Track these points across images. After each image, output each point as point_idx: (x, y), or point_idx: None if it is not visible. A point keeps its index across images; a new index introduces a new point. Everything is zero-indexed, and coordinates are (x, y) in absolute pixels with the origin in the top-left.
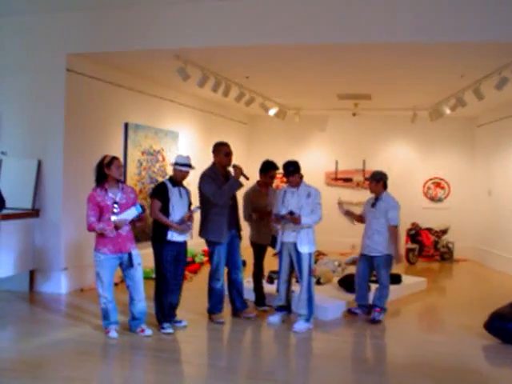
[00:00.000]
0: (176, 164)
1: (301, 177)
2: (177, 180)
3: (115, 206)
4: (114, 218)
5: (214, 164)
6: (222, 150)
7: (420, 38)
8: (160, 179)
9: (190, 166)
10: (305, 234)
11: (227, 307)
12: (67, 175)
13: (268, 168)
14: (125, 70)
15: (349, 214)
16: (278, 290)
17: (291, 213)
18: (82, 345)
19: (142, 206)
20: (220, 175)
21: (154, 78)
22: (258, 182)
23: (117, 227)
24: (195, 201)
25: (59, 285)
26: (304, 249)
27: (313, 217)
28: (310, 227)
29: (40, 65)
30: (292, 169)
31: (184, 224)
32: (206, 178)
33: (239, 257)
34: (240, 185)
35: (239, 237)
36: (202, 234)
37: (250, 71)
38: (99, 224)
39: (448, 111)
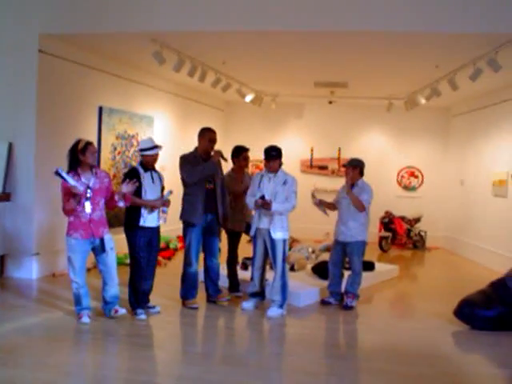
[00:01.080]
0: (142, 150)
1: (280, 164)
2: (148, 165)
3: (88, 191)
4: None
5: (196, 148)
6: (206, 136)
7: (396, 27)
8: (134, 164)
9: (156, 147)
10: (279, 221)
11: (202, 293)
12: (39, 158)
13: (239, 151)
14: (99, 52)
15: (321, 203)
16: (252, 277)
17: (262, 197)
18: (54, 330)
19: (171, 191)
20: (201, 159)
21: (130, 61)
22: (232, 168)
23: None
24: (174, 185)
25: (30, 270)
26: (278, 235)
27: (286, 205)
28: (281, 214)
29: (11, 45)
30: (274, 154)
31: (158, 200)
32: (182, 160)
33: (216, 243)
34: (215, 167)
35: (218, 223)
36: (180, 215)
37: (226, 57)
38: (69, 203)
39: (423, 101)
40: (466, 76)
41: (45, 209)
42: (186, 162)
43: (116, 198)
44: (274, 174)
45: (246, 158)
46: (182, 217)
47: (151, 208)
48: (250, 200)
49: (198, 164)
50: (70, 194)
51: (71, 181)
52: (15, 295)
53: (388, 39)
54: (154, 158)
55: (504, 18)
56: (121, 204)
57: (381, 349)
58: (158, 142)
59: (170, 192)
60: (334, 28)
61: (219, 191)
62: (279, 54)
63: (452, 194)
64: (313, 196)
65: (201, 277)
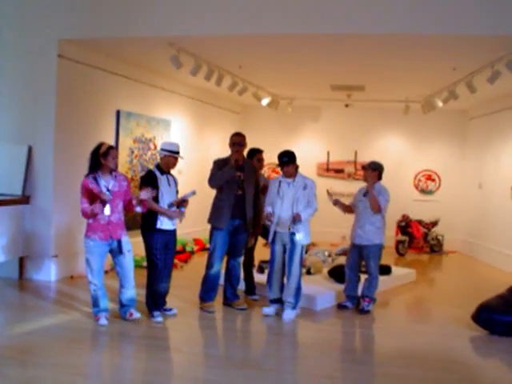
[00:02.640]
0: (165, 150)
1: (296, 167)
2: (165, 168)
3: (107, 193)
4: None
5: (230, 155)
6: (231, 140)
7: (413, 30)
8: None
9: (178, 153)
10: (302, 225)
11: (219, 295)
12: (58, 162)
13: (253, 153)
14: (117, 57)
15: (338, 203)
16: (268, 282)
17: (293, 218)
18: (72, 332)
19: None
20: (230, 165)
21: (147, 65)
22: None
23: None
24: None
25: (49, 272)
26: (302, 240)
27: (309, 210)
28: (306, 220)
29: (31, 50)
30: (286, 159)
31: (175, 209)
32: (213, 164)
33: (240, 245)
34: (233, 172)
35: (246, 230)
36: (208, 219)
37: (243, 61)
38: (90, 206)
39: (440, 104)
40: (483, 78)
41: (63, 211)
42: (215, 165)
43: (134, 202)
44: (293, 179)
45: (260, 160)
46: (209, 221)
47: (169, 215)
48: (270, 210)
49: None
50: (91, 197)
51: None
52: (34, 297)
53: (405, 42)
54: (175, 162)
55: None
56: (138, 209)
57: (397, 353)
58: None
59: (194, 193)
60: (351, 31)
61: (249, 197)
62: (296, 58)
63: (470, 197)
64: (328, 193)
65: (221, 279)
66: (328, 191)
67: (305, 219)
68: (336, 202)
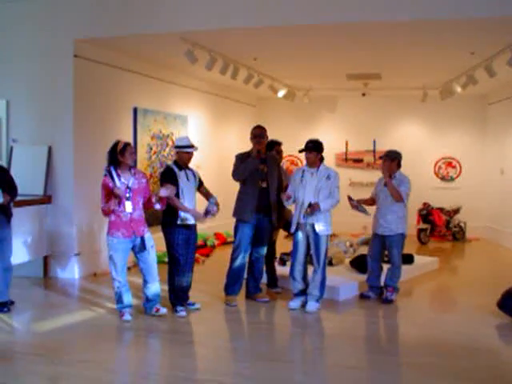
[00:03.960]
0: (179, 147)
1: (321, 158)
2: (182, 163)
3: (128, 191)
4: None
5: (252, 147)
6: (251, 133)
7: (429, 15)
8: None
9: (192, 146)
10: (322, 216)
11: (243, 289)
12: (78, 161)
13: (271, 145)
14: (132, 54)
15: (359, 204)
16: (291, 274)
17: (309, 205)
18: (97, 328)
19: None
20: (253, 157)
21: (162, 61)
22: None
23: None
24: (211, 183)
25: (73, 270)
26: (322, 230)
27: (330, 201)
28: (327, 211)
29: (47, 51)
30: (310, 145)
31: (198, 215)
32: (235, 158)
33: (264, 241)
34: (257, 163)
35: (270, 222)
36: (233, 213)
37: (257, 53)
38: (107, 204)
39: (459, 89)
40: (503, 62)
41: (84, 209)
42: (238, 159)
43: (153, 199)
44: (317, 169)
45: (279, 152)
46: (234, 214)
47: (192, 214)
48: (290, 192)
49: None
50: (110, 195)
51: None
52: (59, 294)
53: (420, 28)
54: (189, 156)
55: None
56: (157, 207)
57: (422, 343)
58: (192, 140)
59: (215, 203)
60: (365, 19)
61: (273, 190)
62: (310, 48)
63: (491, 183)
64: (349, 199)
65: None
66: (349, 197)
67: (325, 209)
68: (357, 204)
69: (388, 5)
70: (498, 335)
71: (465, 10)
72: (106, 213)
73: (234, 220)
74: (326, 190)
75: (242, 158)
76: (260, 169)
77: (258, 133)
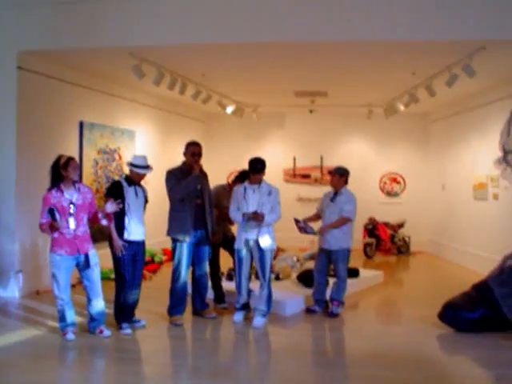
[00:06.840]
0: (133, 165)
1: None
2: (133, 180)
3: (71, 206)
4: None
5: (183, 163)
6: (189, 150)
7: (372, 36)
8: (117, 178)
9: (148, 167)
10: (266, 232)
11: (188, 305)
12: (20, 176)
13: (245, 176)
14: (79, 67)
15: (306, 224)
16: (238, 288)
17: (254, 212)
18: (39, 348)
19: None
20: (187, 173)
21: (110, 76)
22: (229, 183)
23: None
24: (157, 199)
25: (14, 288)
26: (267, 245)
27: (272, 216)
28: (269, 225)
29: None
30: (260, 166)
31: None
32: (167, 174)
33: (205, 254)
34: (196, 181)
35: (208, 239)
36: (167, 231)
37: (206, 69)
38: (47, 223)
39: (402, 107)
40: (442, 82)
41: (27, 226)
42: (172, 176)
43: (99, 215)
44: (258, 186)
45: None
46: (169, 233)
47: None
48: (236, 214)
49: (184, 179)
50: (59, 212)
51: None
52: None
53: (364, 48)
54: (141, 177)
55: (476, 25)
56: (104, 222)
57: (368, 355)
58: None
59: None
60: (311, 39)
61: (208, 206)
62: (259, 65)
63: (434, 198)
64: (296, 221)
65: (188, 289)
66: (295, 219)
67: (268, 222)
68: (304, 225)
69: (334, 26)
70: (439, 346)
71: (405, 32)
72: (44, 231)
73: (170, 239)
74: (267, 206)
75: (176, 175)
76: (197, 186)
77: (198, 151)
